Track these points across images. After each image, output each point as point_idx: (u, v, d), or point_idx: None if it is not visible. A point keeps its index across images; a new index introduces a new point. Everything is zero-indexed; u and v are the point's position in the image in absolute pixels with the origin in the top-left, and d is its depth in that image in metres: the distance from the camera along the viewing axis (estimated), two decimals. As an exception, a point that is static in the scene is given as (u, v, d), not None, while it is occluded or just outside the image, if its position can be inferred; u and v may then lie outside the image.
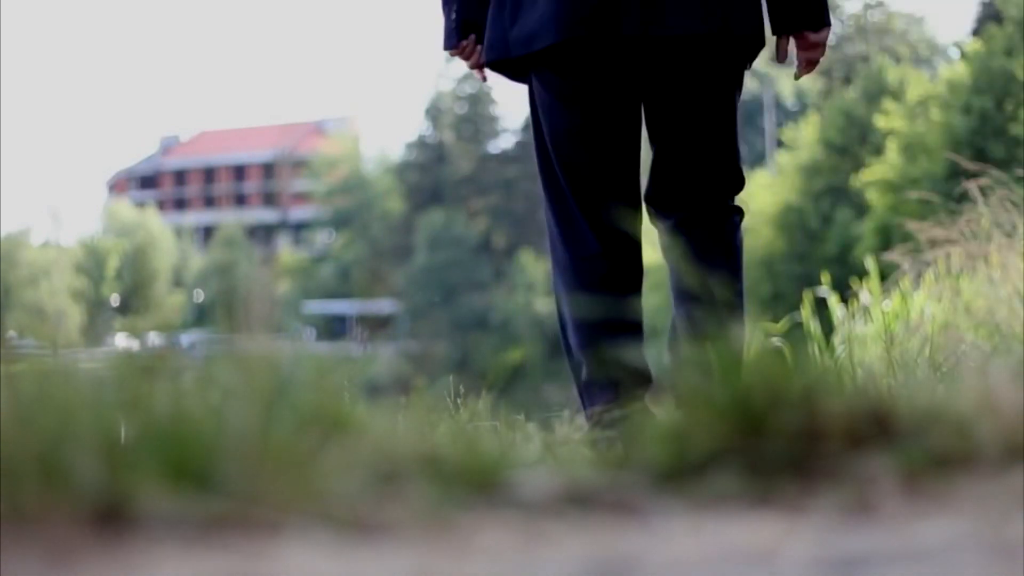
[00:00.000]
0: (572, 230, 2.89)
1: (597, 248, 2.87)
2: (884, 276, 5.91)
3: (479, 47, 2.99)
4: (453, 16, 3.00)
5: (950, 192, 6.34)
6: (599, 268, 2.87)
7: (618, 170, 2.89)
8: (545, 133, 2.90)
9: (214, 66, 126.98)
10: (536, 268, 51.23)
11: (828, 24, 2.96)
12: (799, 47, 3.03)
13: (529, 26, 2.76)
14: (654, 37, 2.74)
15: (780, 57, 3.03)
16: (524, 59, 2.84)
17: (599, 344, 2.82)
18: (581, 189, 2.88)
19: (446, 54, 3.12)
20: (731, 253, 2.87)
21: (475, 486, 1.17)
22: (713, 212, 2.89)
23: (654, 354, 3.10)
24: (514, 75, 2.95)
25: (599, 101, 2.82)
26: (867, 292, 5.91)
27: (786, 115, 51.71)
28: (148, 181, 76.95)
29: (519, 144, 56.71)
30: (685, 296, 2.83)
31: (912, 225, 5.78)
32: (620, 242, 2.88)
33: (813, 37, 2.99)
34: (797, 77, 3.19)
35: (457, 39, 3.03)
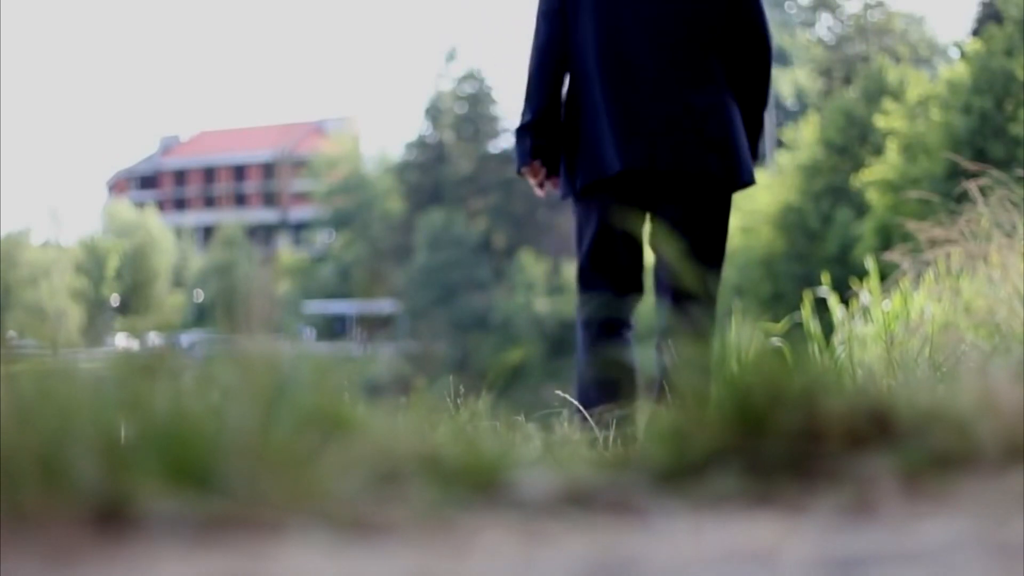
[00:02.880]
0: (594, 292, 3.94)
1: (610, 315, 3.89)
2: (884, 276, 5.91)
3: (543, 168, 3.98)
4: (528, 143, 3.94)
5: (950, 192, 6.34)
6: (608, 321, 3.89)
7: (631, 265, 3.97)
8: (583, 237, 3.94)
9: (214, 66, 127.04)
10: (536, 268, 51.23)
11: (760, 157, 4.23)
12: None
13: (604, 160, 3.82)
14: (682, 171, 3.83)
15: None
16: (598, 182, 3.87)
17: (600, 347, 3.79)
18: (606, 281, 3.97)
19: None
20: (711, 320, 3.73)
21: (475, 486, 1.17)
22: (699, 297, 3.74)
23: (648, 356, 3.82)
24: (586, 196, 3.92)
25: (624, 213, 3.86)
26: (867, 292, 5.90)
27: (786, 115, 51.71)
28: (148, 181, 76.97)
29: (519, 144, 56.66)
30: (667, 332, 3.72)
31: (912, 225, 5.78)
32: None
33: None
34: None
35: (530, 161, 3.97)
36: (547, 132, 3.94)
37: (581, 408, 3.27)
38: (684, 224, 3.85)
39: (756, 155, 4.07)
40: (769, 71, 4.05)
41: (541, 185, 4.03)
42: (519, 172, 4.03)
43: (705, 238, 3.86)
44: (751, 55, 3.98)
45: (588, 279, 3.96)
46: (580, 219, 3.95)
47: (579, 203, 3.94)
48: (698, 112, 3.83)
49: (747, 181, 3.91)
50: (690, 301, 3.69)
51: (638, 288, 3.98)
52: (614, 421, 2.93)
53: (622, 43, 3.86)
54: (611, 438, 2.83)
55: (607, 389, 3.57)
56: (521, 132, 3.98)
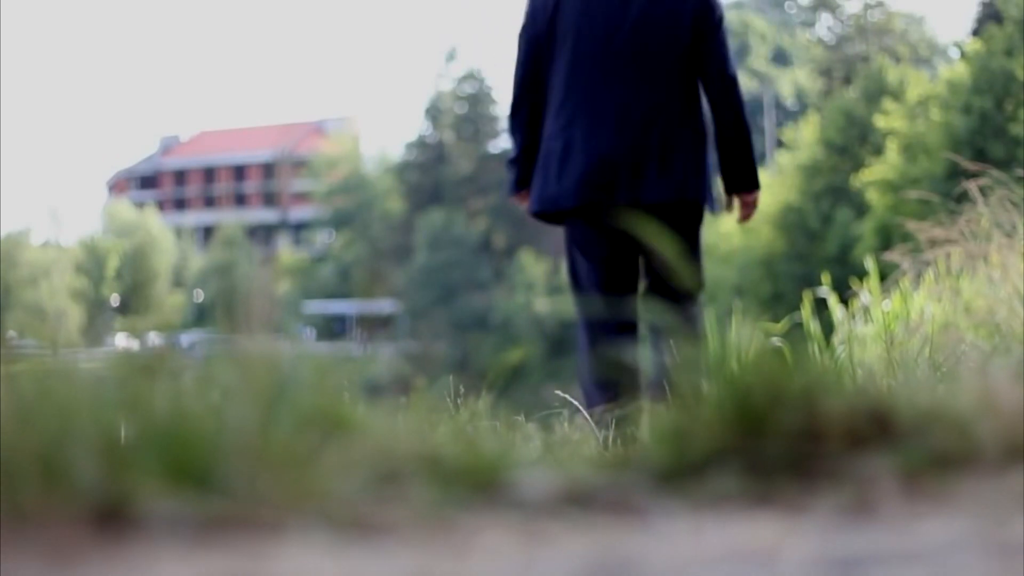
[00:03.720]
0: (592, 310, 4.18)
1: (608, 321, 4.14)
2: (884, 276, 5.90)
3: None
4: (514, 175, 4.32)
5: (950, 192, 6.33)
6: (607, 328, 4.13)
7: (621, 286, 4.21)
8: (574, 261, 4.25)
9: (214, 66, 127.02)
10: (536, 268, 51.22)
11: (758, 187, 4.37)
12: (741, 202, 4.40)
13: (558, 192, 4.14)
14: (639, 204, 4.09)
15: (727, 206, 4.39)
16: (557, 212, 4.20)
17: (601, 345, 4.04)
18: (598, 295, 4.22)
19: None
20: (693, 322, 4.06)
21: (475, 486, 1.17)
22: (684, 304, 4.07)
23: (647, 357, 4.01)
24: (550, 221, 4.30)
25: (604, 243, 4.18)
26: (867, 292, 5.90)
27: (786, 115, 51.71)
28: (148, 181, 76.94)
29: (519, 144, 56.68)
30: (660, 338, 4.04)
31: (912, 225, 5.77)
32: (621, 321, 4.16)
33: (748, 198, 4.38)
34: (739, 222, 4.51)
35: (515, 191, 4.35)
36: (530, 164, 4.29)
37: (584, 407, 3.36)
38: (653, 250, 4.11)
39: (746, 185, 4.32)
40: (737, 105, 4.24)
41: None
42: (509, 198, 4.48)
43: (675, 261, 4.08)
44: (717, 91, 4.20)
45: (578, 294, 4.27)
46: (565, 236, 4.31)
47: (563, 226, 4.29)
48: (650, 143, 4.10)
49: (699, 206, 4.16)
50: (676, 300, 4.02)
51: (627, 291, 4.21)
52: (614, 421, 2.94)
53: (587, 80, 4.15)
54: (611, 438, 2.83)
55: (609, 388, 3.83)
56: (509, 164, 4.39)
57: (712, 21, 4.17)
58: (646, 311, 4.13)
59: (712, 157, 4.27)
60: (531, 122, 4.27)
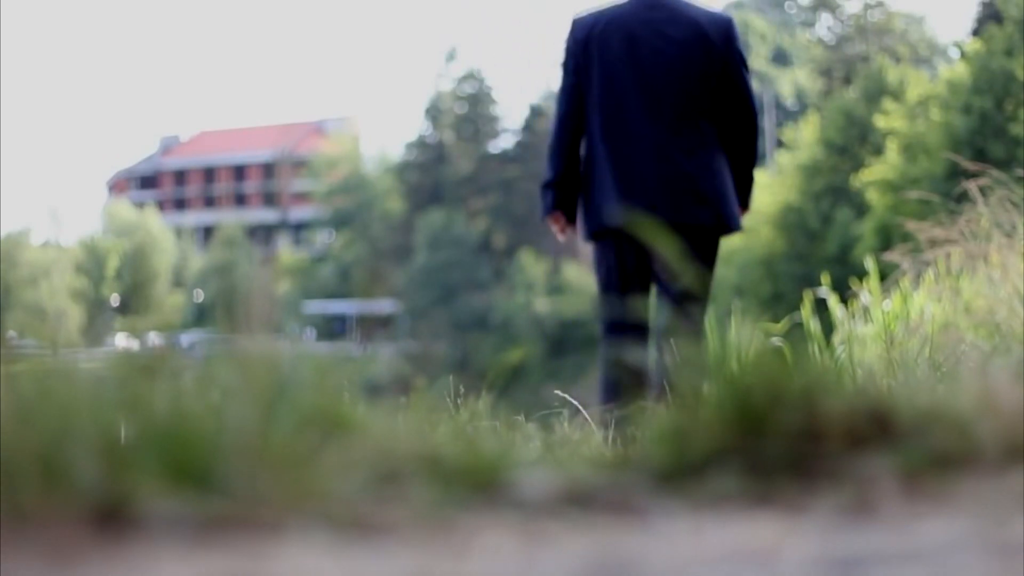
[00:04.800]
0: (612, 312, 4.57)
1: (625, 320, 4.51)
2: (884, 276, 5.90)
3: (563, 218, 4.69)
4: (550, 198, 4.67)
5: (950, 192, 6.33)
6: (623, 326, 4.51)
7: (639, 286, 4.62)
8: (602, 271, 4.64)
9: (214, 66, 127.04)
10: (536, 268, 51.24)
11: (749, 208, 4.87)
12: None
13: (608, 214, 4.51)
14: (679, 225, 4.45)
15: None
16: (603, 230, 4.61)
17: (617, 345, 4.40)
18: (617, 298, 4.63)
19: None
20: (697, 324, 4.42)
21: (475, 486, 1.17)
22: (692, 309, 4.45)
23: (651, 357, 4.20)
24: (593, 239, 4.68)
25: (636, 256, 4.57)
26: (867, 292, 5.90)
27: (786, 115, 51.71)
28: (148, 181, 76.95)
29: (519, 144, 56.73)
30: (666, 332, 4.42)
31: (912, 225, 5.77)
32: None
33: (742, 214, 4.84)
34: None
35: (550, 213, 4.70)
36: (565, 189, 4.66)
37: (603, 403, 3.77)
38: (679, 264, 4.49)
39: (746, 206, 4.76)
40: (755, 135, 4.71)
41: (563, 231, 4.73)
42: (543, 220, 4.84)
43: (696, 275, 4.49)
44: (739, 123, 4.66)
45: (606, 303, 4.62)
46: (596, 255, 4.69)
47: (595, 243, 4.67)
48: (689, 172, 4.54)
49: (733, 228, 4.60)
50: (687, 302, 4.37)
51: (645, 301, 4.63)
52: (613, 421, 2.94)
53: (625, 114, 4.58)
54: (611, 438, 2.84)
55: (624, 386, 4.14)
56: (544, 188, 4.73)
57: (738, 58, 4.62)
58: (657, 313, 4.53)
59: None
60: (571, 149, 4.66)
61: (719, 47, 4.55)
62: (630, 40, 4.55)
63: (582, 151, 4.65)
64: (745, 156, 4.68)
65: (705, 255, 4.57)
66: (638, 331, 4.46)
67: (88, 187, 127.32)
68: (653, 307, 4.57)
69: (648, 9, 4.56)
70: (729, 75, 4.58)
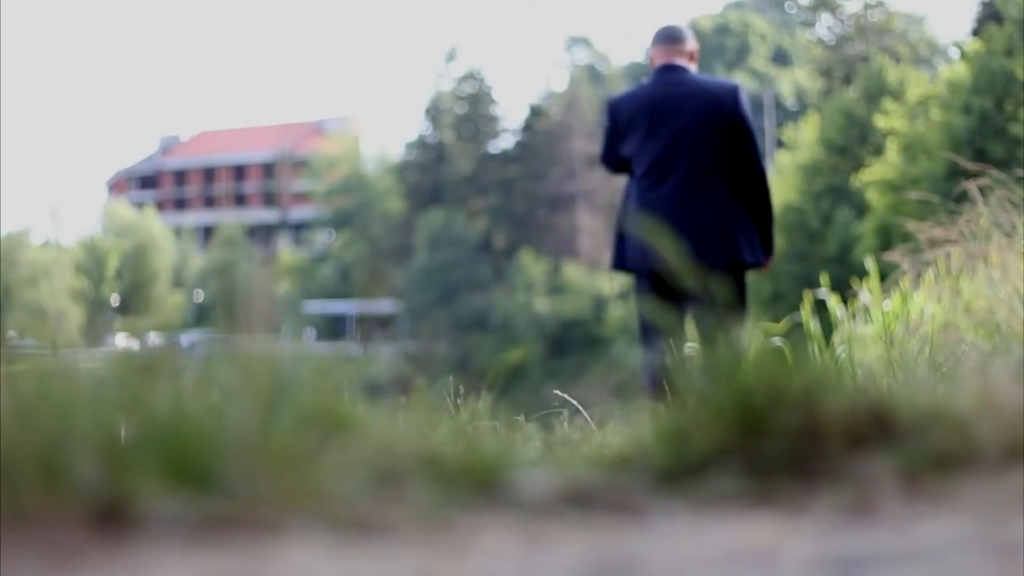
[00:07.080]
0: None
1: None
2: (884, 276, 5.91)
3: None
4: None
5: (950, 192, 6.33)
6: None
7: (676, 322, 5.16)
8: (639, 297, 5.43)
9: (214, 66, 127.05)
10: (536, 268, 51.23)
11: (773, 253, 5.58)
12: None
13: (640, 256, 5.28)
14: (698, 264, 4.94)
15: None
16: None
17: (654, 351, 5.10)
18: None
19: None
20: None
21: (475, 486, 1.17)
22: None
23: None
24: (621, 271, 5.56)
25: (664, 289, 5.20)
26: (867, 292, 5.90)
27: (786, 115, 51.68)
28: (148, 181, 76.94)
29: (519, 144, 56.74)
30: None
31: (912, 225, 5.78)
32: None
33: (767, 261, 5.49)
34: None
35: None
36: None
37: (649, 390, 4.55)
38: (706, 299, 5.01)
39: (770, 251, 5.40)
40: (766, 186, 5.45)
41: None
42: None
43: (724, 306, 5.03)
44: (748, 176, 5.40)
45: (645, 322, 5.32)
46: (636, 283, 5.42)
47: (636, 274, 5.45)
48: (704, 220, 5.28)
49: (749, 265, 5.29)
50: (711, 304, 4.96)
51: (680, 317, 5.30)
52: (614, 421, 2.94)
53: (651, 174, 5.39)
54: (611, 438, 2.84)
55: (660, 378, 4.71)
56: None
57: (744, 120, 5.39)
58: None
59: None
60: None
61: (729, 112, 5.39)
62: (652, 115, 5.45)
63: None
64: (759, 206, 5.41)
65: (728, 291, 5.10)
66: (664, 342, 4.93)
67: (88, 187, 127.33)
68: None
69: (667, 87, 5.47)
70: (738, 136, 5.39)
